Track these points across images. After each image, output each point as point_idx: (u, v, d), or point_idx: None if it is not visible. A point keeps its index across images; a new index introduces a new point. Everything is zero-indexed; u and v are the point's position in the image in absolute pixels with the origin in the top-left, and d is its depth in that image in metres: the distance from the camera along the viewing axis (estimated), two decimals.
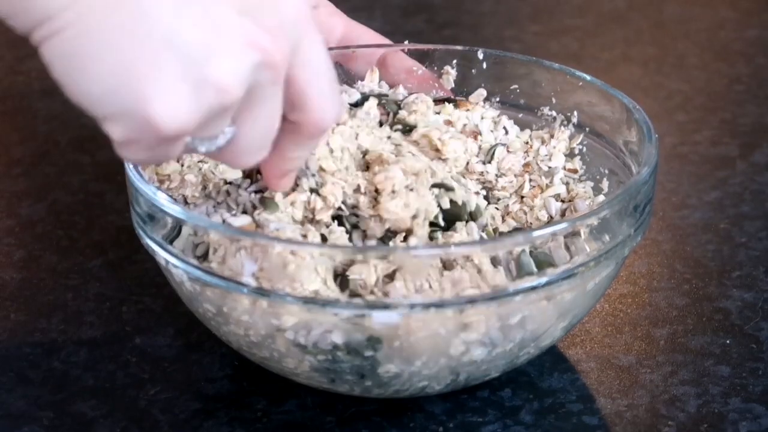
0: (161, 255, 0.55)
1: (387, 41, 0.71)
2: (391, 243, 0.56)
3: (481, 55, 0.68)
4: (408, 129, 0.63)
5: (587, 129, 0.65)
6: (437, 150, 0.61)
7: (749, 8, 1.09)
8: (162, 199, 0.54)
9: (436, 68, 0.69)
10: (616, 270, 0.57)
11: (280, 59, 0.47)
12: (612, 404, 0.58)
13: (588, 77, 0.65)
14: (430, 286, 0.51)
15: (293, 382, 0.59)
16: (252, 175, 0.59)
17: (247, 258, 0.51)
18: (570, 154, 0.65)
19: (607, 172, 0.63)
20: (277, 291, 0.51)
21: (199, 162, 0.62)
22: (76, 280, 0.68)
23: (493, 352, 0.54)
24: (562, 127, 0.65)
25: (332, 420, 0.57)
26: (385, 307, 0.50)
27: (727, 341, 0.63)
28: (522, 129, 0.67)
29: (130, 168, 0.56)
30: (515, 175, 0.63)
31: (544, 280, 0.52)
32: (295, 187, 0.57)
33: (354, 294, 0.51)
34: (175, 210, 0.54)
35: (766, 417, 0.57)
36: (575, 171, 0.64)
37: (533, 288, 0.52)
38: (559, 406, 0.58)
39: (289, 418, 0.57)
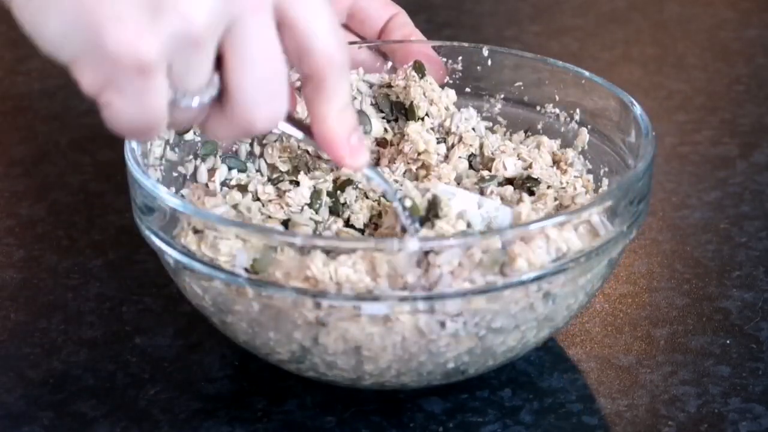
0: (157, 245, 0.55)
1: (395, 8, 0.71)
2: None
3: (485, 52, 0.68)
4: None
5: (589, 126, 0.65)
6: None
7: (749, 8, 1.09)
8: (156, 188, 0.55)
9: None
10: (609, 267, 0.57)
11: None
12: (612, 404, 0.58)
13: (590, 75, 0.65)
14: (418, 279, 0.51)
15: (293, 382, 0.59)
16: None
17: (239, 248, 0.52)
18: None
19: (607, 169, 0.64)
20: (268, 281, 0.51)
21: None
22: (76, 280, 0.68)
23: (478, 349, 0.54)
24: (569, 151, 0.65)
25: (332, 420, 0.57)
26: (375, 299, 0.51)
27: (727, 341, 0.62)
28: (526, 126, 0.67)
29: (129, 156, 0.57)
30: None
31: (533, 275, 0.52)
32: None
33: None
34: (168, 200, 0.54)
35: (766, 417, 0.57)
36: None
37: (522, 283, 0.52)
38: (559, 406, 0.58)
39: (289, 418, 0.57)
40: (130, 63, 0.43)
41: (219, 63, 0.47)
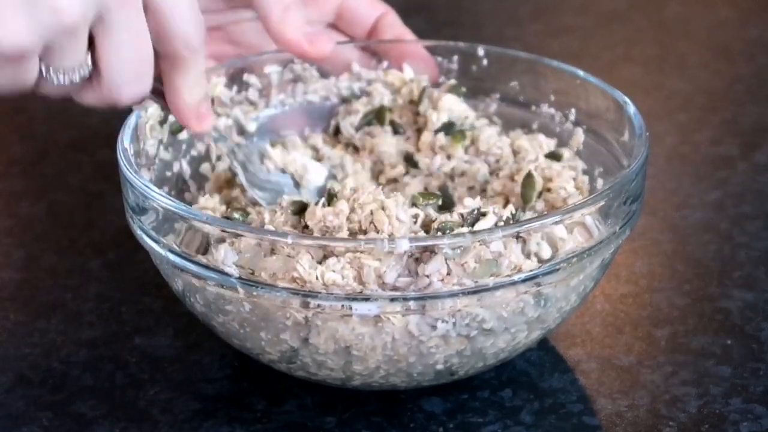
0: (149, 244, 0.55)
1: (383, 6, 0.71)
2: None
3: (481, 52, 0.68)
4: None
5: (584, 126, 0.65)
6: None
7: (750, 8, 1.09)
8: (147, 187, 0.55)
9: None
10: (602, 269, 0.57)
11: None
12: (612, 405, 0.58)
13: (585, 75, 0.65)
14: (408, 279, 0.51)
15: (293, 383, 0.59)
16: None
17: (229, 248, 0.52)
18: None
19: (602, 170, 0.63)
20: (259, 281, 0.51)
21: None
22: (76, 280, 0.68)
23: (468, 350, 0.54)
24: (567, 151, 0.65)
25: (332, 420, 0.57)
26: (365, 299, 0.50)
27: (728, 341, 0.62)
28: (522, 126, 0.67)
29: (121, 156, 0.57)
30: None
31: (524, 275, 0.52)
32: None
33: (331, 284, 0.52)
34: (159, 200, 0.54)
35: (767, 417, 0.57)
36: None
37: (513, 283, 0.52)
38: (560, 406, 0.58)
39: (289, 418, 0.57)
40: (8, 52, 0.48)
41: (91, 44, 0.51)
